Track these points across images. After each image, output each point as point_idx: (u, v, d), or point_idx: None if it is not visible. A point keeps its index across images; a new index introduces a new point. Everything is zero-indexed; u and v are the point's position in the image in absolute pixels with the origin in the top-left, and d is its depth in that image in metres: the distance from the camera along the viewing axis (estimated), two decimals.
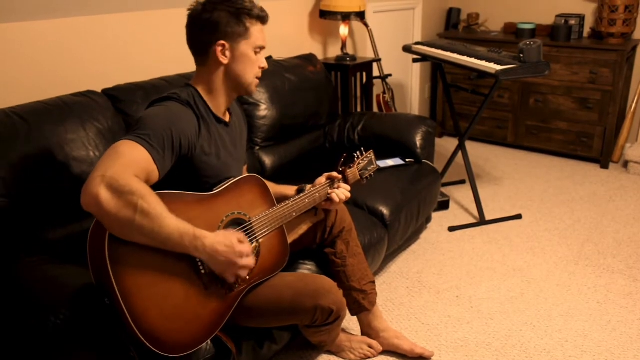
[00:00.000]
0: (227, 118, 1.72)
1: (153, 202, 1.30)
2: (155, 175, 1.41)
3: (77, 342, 1.38)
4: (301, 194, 1.80)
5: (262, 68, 1.68)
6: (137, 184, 1.30)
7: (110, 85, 2.22)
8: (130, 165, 1.33)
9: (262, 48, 1.66)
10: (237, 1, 1.58)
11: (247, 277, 1.57)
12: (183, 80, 1.68)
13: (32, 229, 1.75)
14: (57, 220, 1.80)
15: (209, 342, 1.57)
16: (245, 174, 1.73)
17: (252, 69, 1.64)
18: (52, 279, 1.53)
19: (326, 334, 1.86)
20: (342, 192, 1.89)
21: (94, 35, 2.34)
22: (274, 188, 1.85)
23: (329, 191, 1.88)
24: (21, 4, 2.08)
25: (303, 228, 1.93)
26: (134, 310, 1.30)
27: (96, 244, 1.31)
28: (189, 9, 1.61)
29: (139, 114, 1.58)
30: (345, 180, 1.95)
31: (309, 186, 1.87)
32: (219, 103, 1.66)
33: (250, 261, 1.47)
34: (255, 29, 1.62)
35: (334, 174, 1.91)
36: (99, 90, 2.16)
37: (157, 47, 2.57)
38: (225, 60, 1.60)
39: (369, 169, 2.07)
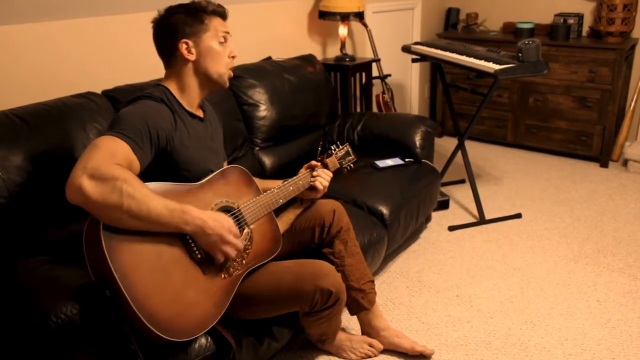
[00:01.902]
0: (201, 114, 1.76)
1: (137, 185, 1.34)
2: (136, 166, 1.44)
3: (78, 341, 1.38)
4: (285, 182, 1.86)
5: (232, 57, 1.72)
6: (118, 169, 1.34)
7: (109, 86, 2.23)
8: (110, 155, 1.37)
9: (226, 34, 1.70)
10: (192, 3, 1.68)
11: (239, 260, 1.60)
12: None
13: (33, 229, 1.76)
14: (57, 221, 1.80)
15: (209, 338, 1.58)
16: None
17: (220, 60, 1.69)
18: (52, 279, 1.54)
19: (326, 321, 1.87)
20: (324, 176, 1.95)
21: (94, 36, 2.35)
22: (260, 184, 1.89)
23: (311, 179, 1.93)
24: (21, 6, 2.08)
25: (290, 217, 1.96)
26: (136, 298, 1.33)
27: (92, 237, 1.34)
28: (151, 21, 1.68)
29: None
30: (326, 168, 2.01)
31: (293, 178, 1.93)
32: (190, 99, 1.71)
33: (238, 241, 1.51)
34: (215, 21, 1.68)
35: (314, 162, 1.97)
36: (99, 92, 2.16)
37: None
38: (191, 57, 1.65)
39: (347, 159, 2.13)
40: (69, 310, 1.36)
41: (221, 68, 1.70)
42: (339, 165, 2.09)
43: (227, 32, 1.71)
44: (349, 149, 2.15)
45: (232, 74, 1.75)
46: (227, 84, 1.76)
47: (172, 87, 1.68)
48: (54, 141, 1.82)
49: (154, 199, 1.37)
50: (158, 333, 1.36)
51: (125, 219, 1.33)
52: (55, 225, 1.80)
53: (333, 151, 2.08)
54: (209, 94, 1.77)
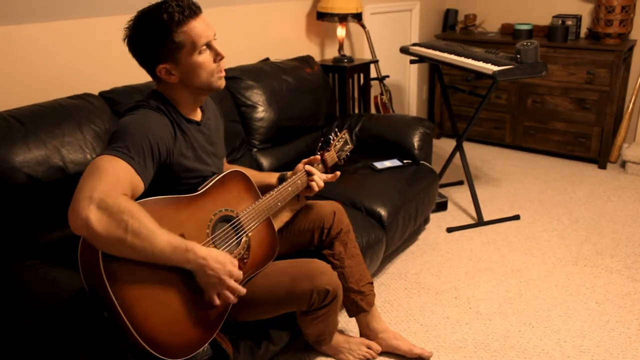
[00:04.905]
0: (198, 117, 1.69)
1: (143, 220, 1.30)
2: (140, 188, 1.41)
3: (74, 347, 1.37)
4: (284, 183, 1.83)
5: (220, 58, 1.58)
6: (125, 202, 1.30)
7: (107, 87, 2.22)
8: (116, 182, 1.32)
9: (206, 40, 1.52)
10: (155, 17, 1.48)
11: (234, 299, 1.55)
12: None
13: (29, 232, 1.74)
14: (53, 223, 1.79)
15: (207, 345, 1.57)
16: (228, 170, 1.74)
17: (205, 70, 1.55)
18: (48, 283, 1.53)
19: (324, 320, 1.86)
20: (319, 174, 1.92)
21: (91, 37, 2.34)
22: (256, 177, 1.87)
23: (309, 179, 1.90)
24: (18, 8, 2.07)
25: (287, 215, 1.95)
26: (135, 321, 1.30)
27: (89, 260, 1.30)
28: (123, 39, 1.54)
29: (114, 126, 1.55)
30: (324, 163, 1.98)
31: (289, 173, 1.90)
32: (187, 108, 1.64)
33: (239, 286, 1.46)
34: (188, 30, 1.49)
35: (313, 157, 1.95)
36: (96, 93, 2.15)
37: None
38: (175, 79, 1.55)
39: (345, 149, 2.11)
40: (66, 316, 1.35)
41: (209, 77, 1.57)
42: (337, 159, 2.07)
43: (208, 36, 1.52)
44: (347, 137, 2.14)
45: (223, 74, 1.61)
46: (223, 85, 1.63)
47: (167, 95, 1.61)
48: (51, 143, 1.81)
49: (159, 235, 1.32)
50: (157, 355, 1.34)
51: (127, 253, 1.30)
52: (51, 228, 1.79)
53: (332, 140, 2.06)
54: (205, 98, 1.71)
